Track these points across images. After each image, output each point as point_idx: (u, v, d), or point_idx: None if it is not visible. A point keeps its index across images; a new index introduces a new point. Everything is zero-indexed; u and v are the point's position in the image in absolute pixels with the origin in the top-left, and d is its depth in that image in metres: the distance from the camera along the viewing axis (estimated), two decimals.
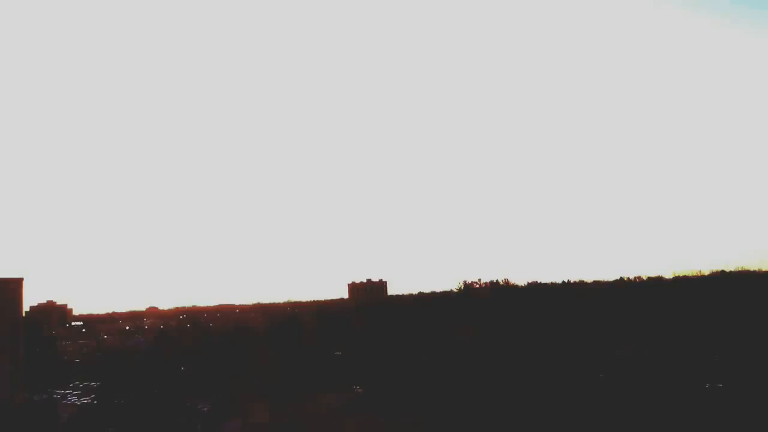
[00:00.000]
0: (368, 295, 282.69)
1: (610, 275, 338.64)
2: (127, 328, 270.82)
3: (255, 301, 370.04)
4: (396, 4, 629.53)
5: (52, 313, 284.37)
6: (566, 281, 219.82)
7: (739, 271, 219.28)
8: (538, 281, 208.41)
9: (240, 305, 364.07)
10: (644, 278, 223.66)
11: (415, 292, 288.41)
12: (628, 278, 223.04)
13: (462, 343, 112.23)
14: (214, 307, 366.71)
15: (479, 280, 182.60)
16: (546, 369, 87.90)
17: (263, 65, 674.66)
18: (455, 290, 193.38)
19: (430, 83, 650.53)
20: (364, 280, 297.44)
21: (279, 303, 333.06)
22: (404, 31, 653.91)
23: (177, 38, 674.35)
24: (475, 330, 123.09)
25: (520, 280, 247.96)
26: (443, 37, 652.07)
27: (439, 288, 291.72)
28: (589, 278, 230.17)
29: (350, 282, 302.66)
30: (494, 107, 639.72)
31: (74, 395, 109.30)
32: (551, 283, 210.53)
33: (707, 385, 76.85)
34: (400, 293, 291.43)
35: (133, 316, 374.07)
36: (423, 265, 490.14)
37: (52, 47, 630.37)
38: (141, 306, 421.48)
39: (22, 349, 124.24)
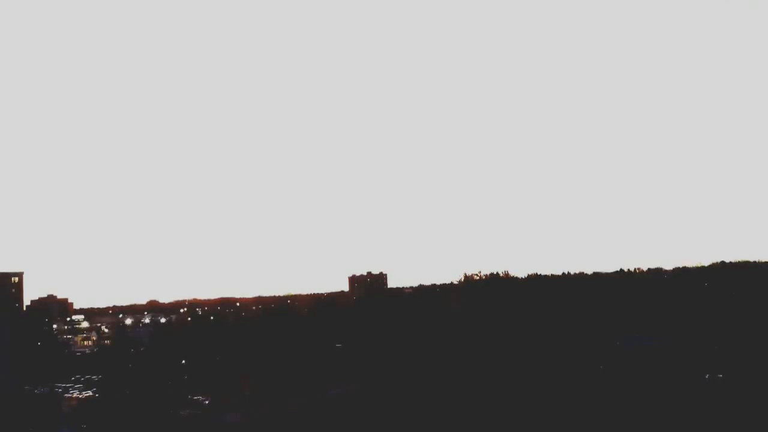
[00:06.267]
0: (369, 287, 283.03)
1: (610, 267, 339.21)
2: (128, 321, 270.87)
3: (256, 294, 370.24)
4: (396, 4, 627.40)
5: (53, 307, 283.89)
6: (566, 273, 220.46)
7: (740, 263, 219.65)
8: (538, 273, 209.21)
9: (240, 298, 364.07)
10: (644, 270, 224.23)
11: (415, 284, 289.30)
12: (629, 270, 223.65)
13: (462, 334, 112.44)
14: (214, 300, 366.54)
15: (479, 272, 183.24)
16: (546, 360, 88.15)
17: (265, 61, 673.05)
18: (455, 282, 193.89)
19: (430, 79, 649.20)
20: (365, 273, 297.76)
21: (279, 296, 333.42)
22: (404, 28, 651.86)
23: (176, 37, 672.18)
24: (475, 322, 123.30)
25: (520, 272, 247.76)
26: (443, 34, 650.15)
27: (439, 280, 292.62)
28: (589, 270, 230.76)
29: (351, 275, 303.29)
30: (494, 102, 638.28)
31: (75, 388, 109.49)
32: (551, 275, 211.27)
33: (707, 376, 77.08)
34: (401, 285, 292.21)
35: (134, 310, 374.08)
36: (423, 258, 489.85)
37: (51, 46, 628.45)
38: (142, 299, 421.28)
39: (23, 342, 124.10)
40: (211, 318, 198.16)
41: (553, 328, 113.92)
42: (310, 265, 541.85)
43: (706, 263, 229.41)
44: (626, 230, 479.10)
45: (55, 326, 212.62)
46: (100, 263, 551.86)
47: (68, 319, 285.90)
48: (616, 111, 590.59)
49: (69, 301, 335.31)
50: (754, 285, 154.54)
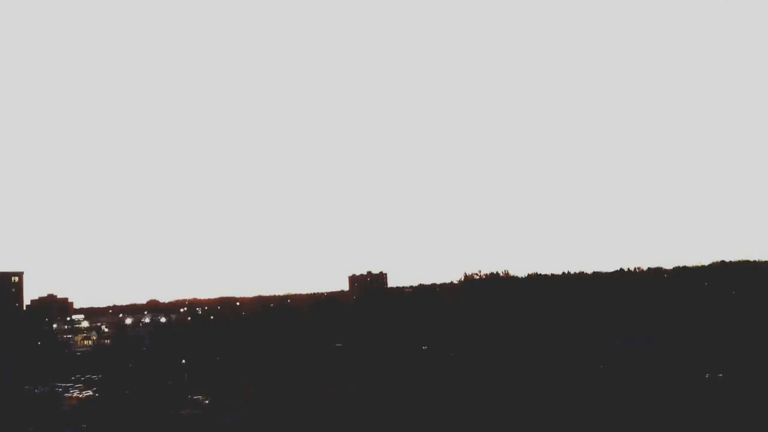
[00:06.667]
0: (369, 287, 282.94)
1: (610, 267, 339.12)
2: (128, 321, 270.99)
3: (256, 294, 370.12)
4: (396, 5, 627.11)
5: (53, 307, 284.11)
6: (566, 273, 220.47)
7: (740, 262, 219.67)
8: (538, 273, 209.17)
9: (240, 298, 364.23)
10: (644, 269, 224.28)
11: (415, 284, 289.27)
12: (629, 269, 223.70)
13: (462, 334, 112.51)
14: (214, 300, 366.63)
15: (479, 271, 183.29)
16: (546, 360, 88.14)
17: (265, 61, 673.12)
18: (455, 282, 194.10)
19: (430, 79, 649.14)
20: (365, 273, 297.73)
21: (279, 295, 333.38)
22: (404, 28, 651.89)
23: (176, 37, 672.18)
24: (475, 321, 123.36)
25: (520, 271, 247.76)
26: (443, 34, 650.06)
27: (439, 280, 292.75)
28: (589, 270, 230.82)
29: (351, 274, 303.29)
30: (494, 102, 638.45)
31: (76, 388, 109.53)
32: (551, 274, 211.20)
33: (707, 375, 77.06)
34: (401, 285, 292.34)
35: (134, 309, 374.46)
36: (423, 257, 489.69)
37: (51, 46, 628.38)
38: (142, 299, 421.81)
39: (23, 342, 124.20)
40: (211, 318, 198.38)
41: (553, 327, 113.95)
42: (310, 265, 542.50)
43: (706, 263, 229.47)
44: (626, 230, 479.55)
45: (55, 326, 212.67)
46: (100, 263, 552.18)
47: (68, 318, 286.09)
48: (616, 111, 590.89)
49: (69, 300, 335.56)
50: (754, 285, 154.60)
